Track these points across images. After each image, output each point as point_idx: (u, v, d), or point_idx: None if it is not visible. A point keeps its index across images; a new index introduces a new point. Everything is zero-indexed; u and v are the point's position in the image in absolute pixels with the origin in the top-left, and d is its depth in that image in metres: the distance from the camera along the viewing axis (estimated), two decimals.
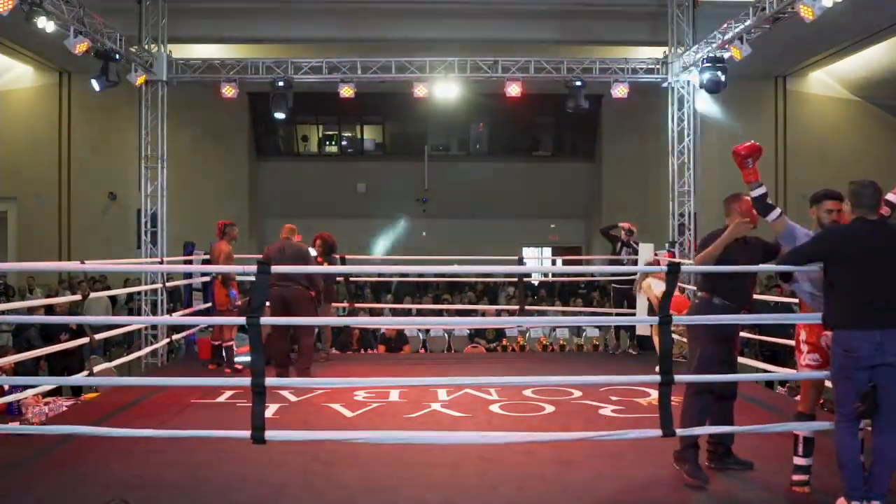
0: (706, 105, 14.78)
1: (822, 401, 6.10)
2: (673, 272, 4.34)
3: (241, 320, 4.66)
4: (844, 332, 3.86)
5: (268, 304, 8.22)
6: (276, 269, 4.51)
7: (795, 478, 4.31)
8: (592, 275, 14.09)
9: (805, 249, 4.15)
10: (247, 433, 4.11)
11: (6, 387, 6.12)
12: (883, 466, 3.76)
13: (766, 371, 8.14)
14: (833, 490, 3.99)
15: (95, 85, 9.92)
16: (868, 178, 4.03)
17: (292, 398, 6.70)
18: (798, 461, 4.31)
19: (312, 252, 9.45)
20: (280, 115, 11.67)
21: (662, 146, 12.32)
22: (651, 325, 8.33)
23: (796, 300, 4.74)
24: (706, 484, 4.36)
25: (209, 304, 9.21)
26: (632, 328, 9.84)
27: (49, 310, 9.34)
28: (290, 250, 7.79)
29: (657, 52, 12.04)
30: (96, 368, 7.07)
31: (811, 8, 8.07)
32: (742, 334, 10.74)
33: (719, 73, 10.27)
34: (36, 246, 17.09)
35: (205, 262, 10.27)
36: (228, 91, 11.62)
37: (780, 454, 4.61)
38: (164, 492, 4.36)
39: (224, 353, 8.29)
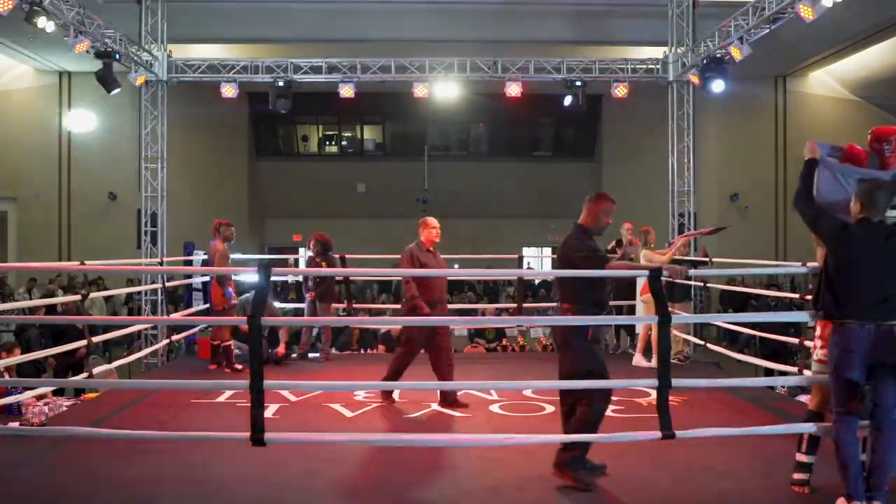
0: (706, 105, 14.78)
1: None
2: (655, 277, 4.34)
3: (243, 320, 4.66)
4: (840, 330, 3.89)
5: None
6: (278, 270, 4.51)
7: (796, 476, 4.30)
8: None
9: (819, 222, 4.09)
10: (246, 434, 4.11)
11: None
12: (883, 466, 3.77)
13: (766, 369, 8.16)
14: (833, 490, 3.99)
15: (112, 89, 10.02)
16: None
17: (292, 398, 6.70)
18: (800, 458, 4.30)
19: (311, 253, 9.44)
20: (282, 108, 11.62)
21: (662, 146, 12.33)
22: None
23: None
24: (592, 486, 4.34)
25: (208, 305, 9.20)
26: (631, 328, 9.84)
27: (49, 310, 9.35)
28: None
29: (657, 52, 12.05)
30: (96, 370, 7.06)
31: (811, 8, 8.08)
32: (745, 331, 10.78)
33: (719, 72, 10.28)
34: (36, 246, 17.09)
35: (205, 262, 10.26)
36: (228, 91, 11.63)
37: (781, 454, 4.60)
38: (164, 492, 4.35)
39: (223, 353, 8.29)
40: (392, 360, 6.75)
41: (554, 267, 4.75)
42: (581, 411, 4.41)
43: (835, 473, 3.94)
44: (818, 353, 4.36)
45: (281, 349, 8.79)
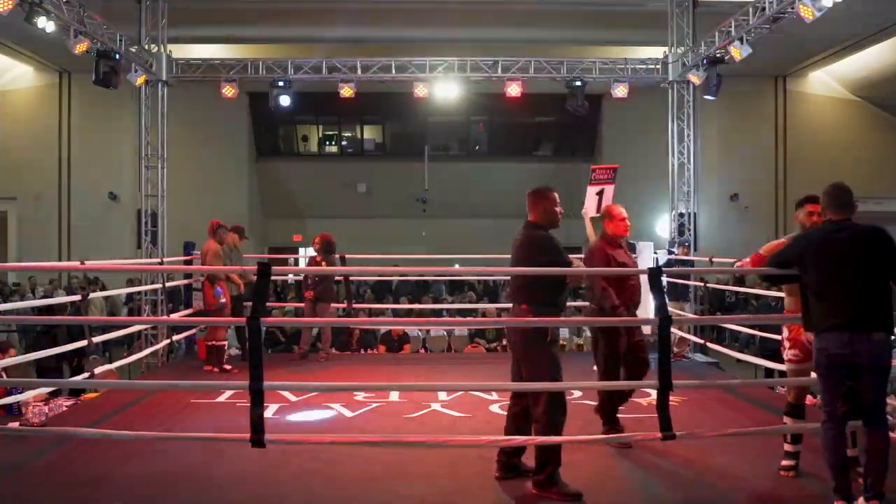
0: (706, 105, 14.79)
1: (818, 401, 6.13)
2: (655, 275, 4.34)
3: (242, 321, 4.66)
4: (819, 334, 3.93)
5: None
6: (278, 269, 4.50)
7: (784, 463, 4.51)
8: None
9: (782, 253, 4.26)
10: (246, 435, 4.11)
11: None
12: (874, 466, 3.77)
13: (766, 368, 8.17)
14: (824, 479, 4.00)
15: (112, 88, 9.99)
16: (840, 181, 4.07)
17: (292, 398, 6.70)
18: (787, 447, 4.53)
19: (312, 252, 9.45)
20: (285, 102, 11.52)
21: (662, 146, 12.33)
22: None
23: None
24: (580, 495, 4.16)
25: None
26: None
27: (50, 310, 9.35)
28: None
29: (657, 52, 12.04)
30: (97, 370, 7.05)
31: (811, 8, 8.06)
32: (746, 331, 10.79)
33: (718, 73, 10.27)
34: (36, 246, 17.09)
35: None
36: (228, 91, 11.62)
37: (781, 454, 4.60)
38: (164, 492, 4.35)
39: (214, 353, 8.30)
40: (601, 394, 5.46)
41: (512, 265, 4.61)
42: (538, 428, 4.28)
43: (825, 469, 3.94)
44: (787, 354, 4.57)
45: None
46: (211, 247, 8.36)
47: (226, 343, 8.38)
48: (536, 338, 4.30)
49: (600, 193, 8.51)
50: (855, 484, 3.86)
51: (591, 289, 5.33)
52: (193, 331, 9.60)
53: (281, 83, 11.37)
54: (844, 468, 3.84)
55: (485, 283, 16.88)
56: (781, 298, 4.91)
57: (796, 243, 4.16)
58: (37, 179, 17.66)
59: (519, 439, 4.34)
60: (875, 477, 3.74)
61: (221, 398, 6.74)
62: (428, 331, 11.75)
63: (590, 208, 8.28)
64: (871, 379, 3.78)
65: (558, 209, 4.55)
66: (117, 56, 9.82)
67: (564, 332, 11.85)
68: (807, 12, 8.12)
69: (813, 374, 4.62)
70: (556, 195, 4.56)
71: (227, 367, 8.20)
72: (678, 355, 8.85)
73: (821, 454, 3.91)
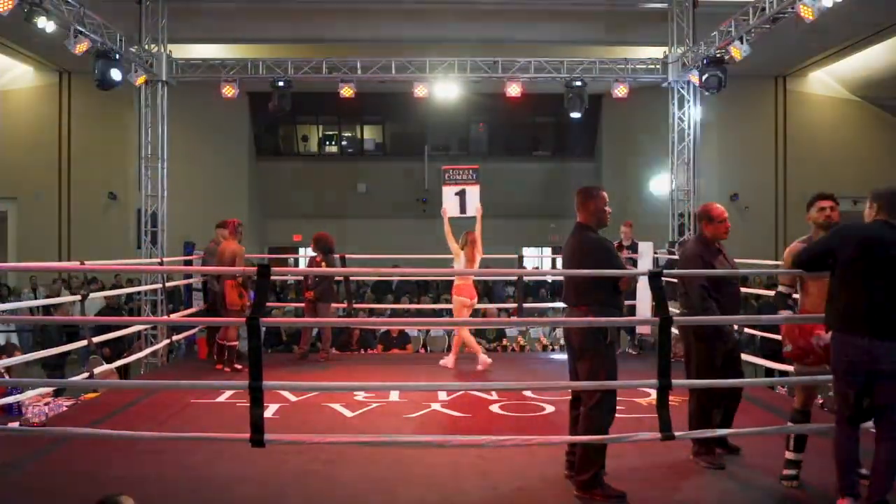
0: (706, 105, 14.80)
1: (821, 401, 6.14)
2: (655, 276, 4.33)
3: (242, 321, 4.66)
4: (839, 336, 3.85)
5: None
6: (278, 269, 4.50)
7: (785, 472, 4.40)
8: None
9: (818, 243, 4.14)
10: (246, 435, 4.11)
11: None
12: (880, 471, 3.73)
13: (767, 368, 8.18)
14: (825, 486, 3.99)
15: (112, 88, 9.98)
16: (882, 182, 4.04)
17: (292, 398, 6.70)
18: (789, 455, 4.41)
19: (311, 252, 9.46)
20: (282, 108, 11.56)
21: (662, 146, 12.32)
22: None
23: (797, 295, 4.73)
24: (624, 496, 4.16)
25: (206, 305, 9.20)
26: (632, 328, 9.84)
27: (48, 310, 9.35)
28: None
29: (657, 52, 12.04)
30: (96, 370, 7.05)
31: (811, 8, 8.06)
32: (746, 330, 10.78)
33: (719, 72, 10.26)
34: (36, 246, 17.09)
35: (205, 261, 10.24)
36: (228, 91, 11.63)
37: (780, 454, 4.60)
38: (164, 492, 4.36)
39: (228, 353, 8.31)
40: (695, 404, 4.86)
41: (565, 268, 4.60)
42: (584, 424, 4.29)
43: (827, 472, 3.94)
44: (788, 348, 4.47)
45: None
46: (236, 249, 8.33)
47: (237, 343, 8.38)
48: (594, 338, 4.28)
49: (460, 194, 8.57)
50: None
51: (686, 294, 4.94)
52: (193, 331, 9.60)
53: (281, 83, 11.37)
54: (851, 469, 3.81)
55: (484, 282, 16.86)
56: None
57: (837, 234, 3.98)
58: (37, 179, 17.66)
59: (518, 438, 4.34)
60: (879, 484, 3.70)
61: (221, 398, 6.74)
62: (428, 331, 11.75)
63: (449, 208, 8.39)
64: (889, 383, 3.69)
65: (607, 209, 4.49)
66: (117, 56, 9.83)
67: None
68: (807, 12, 8.12)
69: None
70: (606, 194, 4.51)
71: (238, 366, 8.20)
72: (678, 355, 8.82)
73: (822, 459, 3.89)
